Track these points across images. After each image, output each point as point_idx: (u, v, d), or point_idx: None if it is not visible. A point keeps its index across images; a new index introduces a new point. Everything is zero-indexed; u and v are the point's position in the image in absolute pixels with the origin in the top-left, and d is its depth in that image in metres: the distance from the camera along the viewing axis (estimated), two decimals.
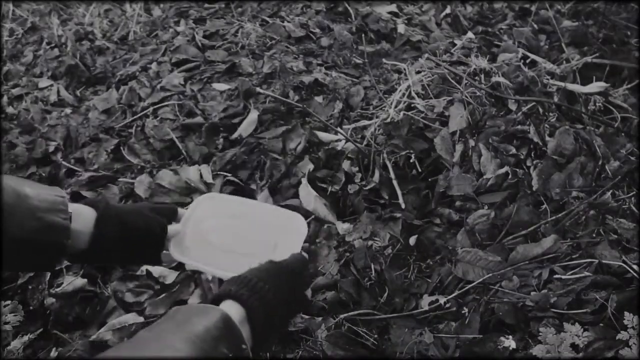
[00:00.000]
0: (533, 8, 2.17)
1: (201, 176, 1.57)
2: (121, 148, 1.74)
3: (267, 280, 0.80)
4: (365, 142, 1.56)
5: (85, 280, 1.34)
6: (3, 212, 0.76)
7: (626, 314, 1.03)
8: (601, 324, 1.07)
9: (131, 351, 0.60)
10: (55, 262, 0.90)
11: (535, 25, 2.10)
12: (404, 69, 1.74)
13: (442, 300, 1.19)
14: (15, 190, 0.79)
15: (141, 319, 1.23)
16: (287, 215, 1.07)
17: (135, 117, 1.85)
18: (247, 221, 1.08)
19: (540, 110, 1.57)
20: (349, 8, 2.24)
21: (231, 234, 1.07)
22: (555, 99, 1.62)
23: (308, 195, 1.47)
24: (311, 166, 1.54)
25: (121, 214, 0.95)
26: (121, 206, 0.99)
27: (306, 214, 1.45)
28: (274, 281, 0.82)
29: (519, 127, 1.51)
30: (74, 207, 0.88)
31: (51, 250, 0.83)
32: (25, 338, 1.23)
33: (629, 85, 1.73)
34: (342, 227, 1.40)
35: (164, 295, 1.26)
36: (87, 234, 0.89)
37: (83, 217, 0.90)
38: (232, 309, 0.74)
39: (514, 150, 1.47)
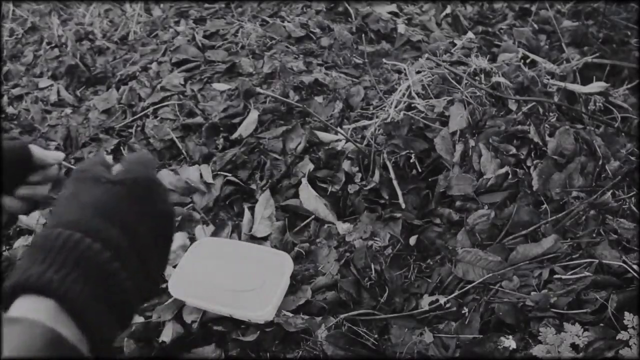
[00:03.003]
0: (533, 8, 2.16)
1: (201, 176, 1.57)
2: (121, 148, 1.74)
3: (101, 230, 0.43)
4: (365, 142, 1.56)
5: None
6: None
7: (626, 314, 1.03)
8: (601, 324, 1.06)
9: None
10: None
11: (535, 25, 2.10)
12: (404, 69, 1.74)
13: (442, 300, 1.19)
14: None
15: (141, 319, 1.23)
16: (275, 253, 1.23)
17: (135, 117, 1.85)
18: (239, 261, 1.21)
19: (540, 110, 1.57)
20: (349, 8, 2.24)
21: (225, 273, 1.19)
22: (555, 99, 1.61)
23: (308, 196, 1.47)
24: (311, 166, 1.54)
25: None
26: None
27: (306, 213, 1.46)
28: (115, 221, 0.45)
29: (519, 127, 1.51)
30: None
31: None
32: None
33: (629, 85, 1.72)
34: (342, 227, 1.40)
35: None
36: None
37: None
38: (36, 305, 0.40)
39: (514, 150, 1.46)
